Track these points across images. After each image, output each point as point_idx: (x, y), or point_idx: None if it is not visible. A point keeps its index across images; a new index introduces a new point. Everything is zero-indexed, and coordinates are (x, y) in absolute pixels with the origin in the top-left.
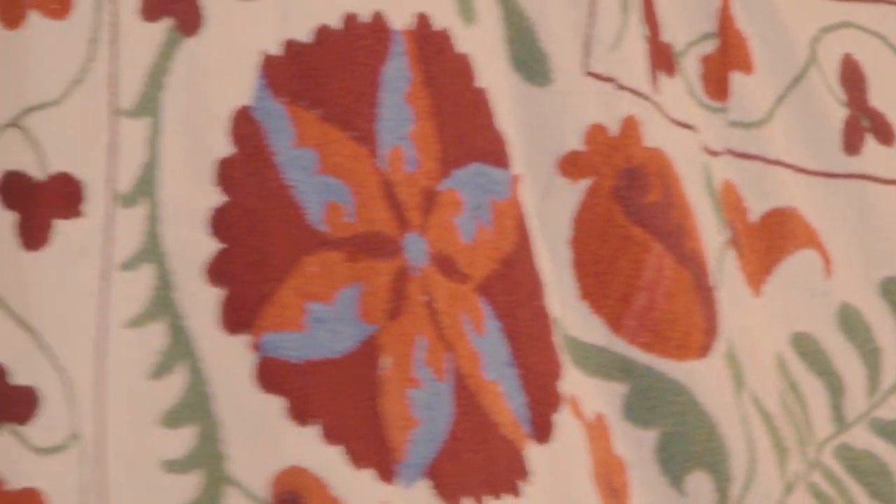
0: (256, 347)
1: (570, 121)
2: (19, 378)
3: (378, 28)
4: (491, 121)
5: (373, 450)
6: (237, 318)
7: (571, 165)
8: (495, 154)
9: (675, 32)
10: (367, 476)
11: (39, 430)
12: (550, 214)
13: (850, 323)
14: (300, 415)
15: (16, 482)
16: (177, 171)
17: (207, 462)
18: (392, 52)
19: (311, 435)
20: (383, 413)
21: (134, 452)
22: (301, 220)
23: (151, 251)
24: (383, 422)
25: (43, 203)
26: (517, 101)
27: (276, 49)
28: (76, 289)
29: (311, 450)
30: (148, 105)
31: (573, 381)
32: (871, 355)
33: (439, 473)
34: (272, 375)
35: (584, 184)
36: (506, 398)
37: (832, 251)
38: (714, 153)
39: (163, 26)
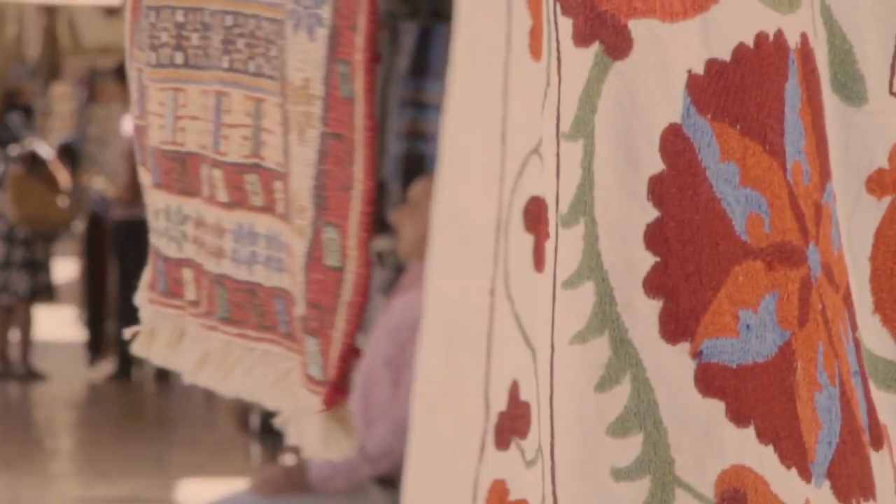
0: (696, 354)
1: (878, 140)
2: (523, 394)
3: (781, 46)
4: (827, 140)
5: (795, 450)
6: (677, 327)
7: (876, 184)
8: (830, 172)
9: None
10: (793, 475)
11: (528, 444)
12: (856, 232)
13: None
14: (738, 416)
15: (516, 493)
16: (610, 190)
17: (656, 467)
18: (790, 69)
19: (748, 436)
20: (801, 416)
21: (585, 463)
22: (730, 231)
23: (592, 269)
24: (801, 424)
25: (541, 226)
26: (834, 120)
27: (699, 68)
28: (543, 309)
29: (749, 449)
30: (582, 128)
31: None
32: None
33: (835, 475)
34: (712, 380)
35: (886, 201)
36: (858, 405)
37: None
38: None
39: (592, 52)
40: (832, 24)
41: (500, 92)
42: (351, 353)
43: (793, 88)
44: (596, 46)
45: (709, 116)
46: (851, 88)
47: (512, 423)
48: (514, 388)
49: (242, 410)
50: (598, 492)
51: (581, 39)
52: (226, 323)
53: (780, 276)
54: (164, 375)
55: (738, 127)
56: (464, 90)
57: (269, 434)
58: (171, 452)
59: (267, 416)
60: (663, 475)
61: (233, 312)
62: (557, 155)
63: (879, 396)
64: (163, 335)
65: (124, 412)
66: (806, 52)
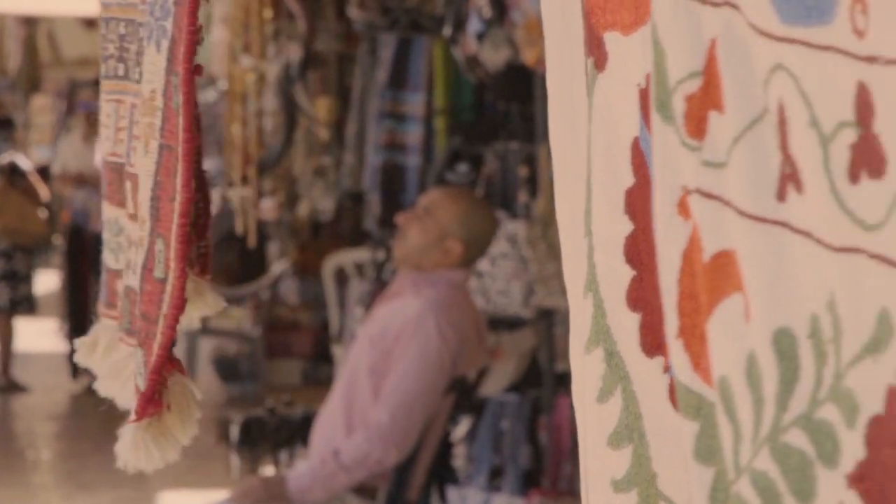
0: (667, 368)
1: (685, 160)
2: None
3: None
4: None
5: None
6: (653, 340)
7: (683, 205)
8: None
9: (669, 70)
10: None
11: None
12: (666, 254)
13: (751, 371)
14: None
15: None
16: (599, 202)
17: (641, 479)
18: None
19: None
20: None
21: (594, 474)
22: None
23: (591, 281)
24: None
25: None
26: (657, 140)
27: (643, 82)
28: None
29: None
30: (588, 141)
31: None
32: (756, 405)
33: None
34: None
35: (690, 223)
36: None
37: (753, 297)
38: (688, 192)
39: (590, 64)
40: (657, 42)
41: (585, 95)
42: (165, 366)
43: None
44: (590, 59)
45: (649, 131)
46: (668, 107)
47: None
48: None
49: (222, 422)
50: (604, 500)
51: (586, 51)
52: (129, 334)
53: None
54: None
55: None
56: (556, 95)
57: (249, 445)
58: None
59: (246, 428)
60: (647, 488)
61: (133, 323)
62: (588, 169)
63: (683, 424)
64: (101, 345)
65: (105, 424)
66: None
